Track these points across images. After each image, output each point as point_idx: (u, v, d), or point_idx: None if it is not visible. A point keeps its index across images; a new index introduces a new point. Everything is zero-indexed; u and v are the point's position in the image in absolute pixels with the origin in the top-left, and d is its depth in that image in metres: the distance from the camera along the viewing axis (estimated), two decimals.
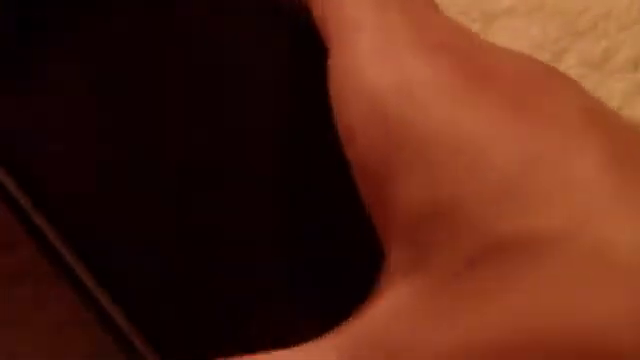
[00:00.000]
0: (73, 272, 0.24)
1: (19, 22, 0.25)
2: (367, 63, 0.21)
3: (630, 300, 0.17)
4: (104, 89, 0.25)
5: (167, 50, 0.25)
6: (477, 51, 0.22)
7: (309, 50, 0.24)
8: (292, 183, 0.25)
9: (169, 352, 0.24)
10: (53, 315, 0.27)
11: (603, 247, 0.18)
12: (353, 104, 0.21)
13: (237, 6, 0.25)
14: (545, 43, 0.31)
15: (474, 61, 0.21)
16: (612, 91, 0.31)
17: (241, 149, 0.25)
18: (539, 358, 0.17)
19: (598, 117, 0.20)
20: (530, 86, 0.21)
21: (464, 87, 0.20)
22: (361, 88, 0.21)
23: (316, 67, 0.24)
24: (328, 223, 0.25)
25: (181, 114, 0.25)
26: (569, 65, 0.30)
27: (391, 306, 0.20)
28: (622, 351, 0.17)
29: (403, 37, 0.21)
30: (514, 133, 0.19)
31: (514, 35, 0.31)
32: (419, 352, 0.19)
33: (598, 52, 0.31)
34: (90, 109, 0.25)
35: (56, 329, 0.26)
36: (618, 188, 0.18)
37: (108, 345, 0.27)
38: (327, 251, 0.25)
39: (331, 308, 0.23)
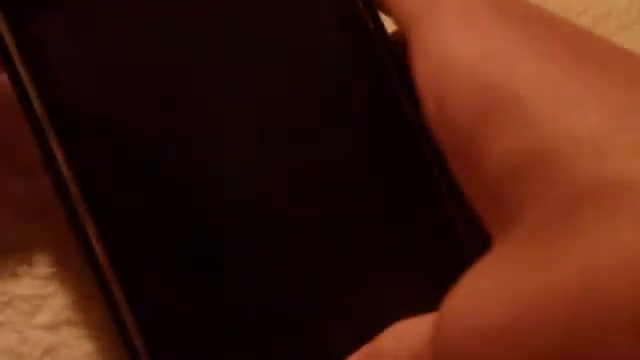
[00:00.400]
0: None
1: None
2: (451, 36, 0.22)
3: None
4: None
5: None
6: (558, 21, 0.23)
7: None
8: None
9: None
10: (53, 315, 0.27)
11: None
12: (440, 75, 0.22)
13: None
14: None
15: (555, 29, 0.22)
16: None
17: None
18: (620, 301, 0.18)
19: None
20: (611, 51, 0.22)
21: (551, 53, 0.21)
22: (448, 59, 0.22)
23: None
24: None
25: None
26: None
27: (489, 264, 0.21)
28: None
29: (485, 10, 0.22)
30: (608, 93, 0.20)
31: None
32: (505, 294, 0.20)
33: None
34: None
35: (56, 329, 0.26)
36: None
37: (108, 345, 0.27)
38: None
39: None
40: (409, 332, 0.23)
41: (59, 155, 0.24)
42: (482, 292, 0.20)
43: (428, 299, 0.22)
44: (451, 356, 0.21)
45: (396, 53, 0.26)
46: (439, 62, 0.22)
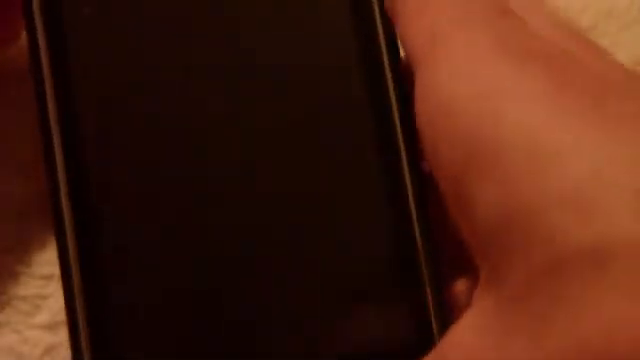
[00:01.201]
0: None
1: None
2: (446, 77, 0.22)
3: None
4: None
5: None
6: (563, 58, 0.21)
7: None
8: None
9: None
10: (53, 315, 0.27)
11: None
12: (434, 116, 0.22)
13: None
14: None
15: (557, 67, 0.21)
16: None
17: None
18: None
19: None
20: (612, 90, 0.20)
21: (543, 93, 0.20)
22: (445, 99, 0.22)
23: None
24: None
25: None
26: None
27: (473, 321, 0.21)
28: None
29: (484, 48, 0.22)
30: (591, 138, 0.19)
31: None
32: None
33: None
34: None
35: (56, 329, 0.26)
36: None
37: None
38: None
39: None
40: None
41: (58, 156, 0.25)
42: (470, 349, 0.20)
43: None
44: None
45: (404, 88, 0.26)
46: (437, 102, 0.22)
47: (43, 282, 0.28)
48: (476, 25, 0.22)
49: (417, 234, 0.25)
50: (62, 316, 0.26)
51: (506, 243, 0.20)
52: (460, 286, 0.24)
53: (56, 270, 0.27)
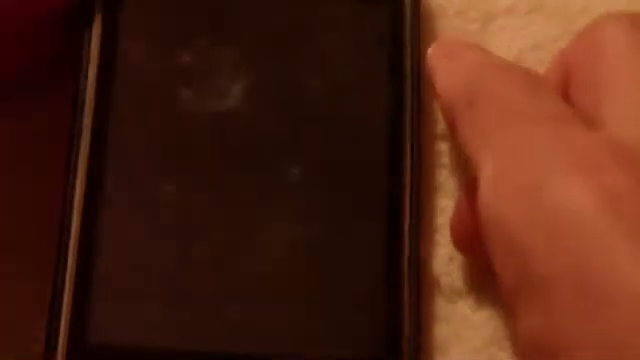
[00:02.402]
0: None
1: None
2: (494, 196, 0.21)
3: None
4: None
5: None
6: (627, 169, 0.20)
7: None
8: None
9: None
10: None
11: None
12: (491, 235, 0.21)
13: None
14: (544, 43, 0.31)
15: (624, 195, 0.20)
16: None
17: None
18: None
19: None
20: None
21: (600, 221, 0.19)
22: (495, 220, 0.21)
23: None
24: None
25: None
26: None
27: None
28: None
29: (540, 161, 0.21)
30: None
31: (513, 35, 0.31)
32: None
33: None
34: None
35: None
36: None
37: None
38: None
39: None
40: None
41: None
42: None
43: None
44: None
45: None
46: (488, 220, 0.21)
47: (43, 282, 0.28)
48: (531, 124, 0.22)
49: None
50: None
51: None
52: None
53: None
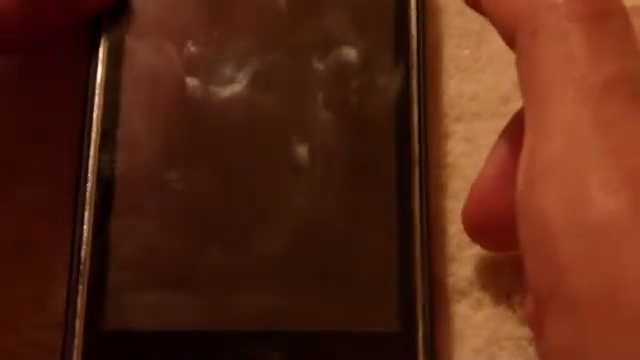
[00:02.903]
0: None
1: None
2: (539, 183, 0.20)
3: None
4: None
5: None
6: None
7: None
8: None
9: None
10: (53, 315, 0.27)
11: None
12: (528, 233, 0.20)
13: None
14: None
15: None
16: None
17: None
18: None
19: None
20: None
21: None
22: (534, 216, 0.20)
23: None
24: None
25: None
26: None
27: None
28: None
29: (592, 167, 0.19)
30: None
31: None
32: None
33: None
34: None
35: (56, 329, 0.26)
36: None
37: None
38: None
39: None
40: None
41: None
42: None
43: None
44: None
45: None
46: (527, 208, 0.20)
47: (43, 282, 0.28)
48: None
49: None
50: (62, 316, 0.26)
51: None
52: None
53: (56, 270, 0.27)
